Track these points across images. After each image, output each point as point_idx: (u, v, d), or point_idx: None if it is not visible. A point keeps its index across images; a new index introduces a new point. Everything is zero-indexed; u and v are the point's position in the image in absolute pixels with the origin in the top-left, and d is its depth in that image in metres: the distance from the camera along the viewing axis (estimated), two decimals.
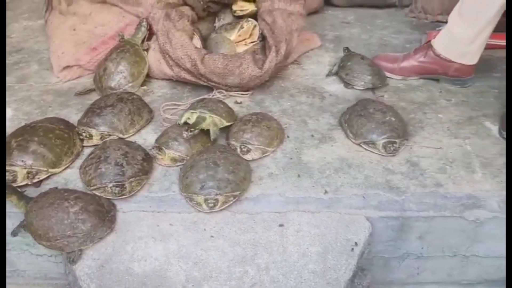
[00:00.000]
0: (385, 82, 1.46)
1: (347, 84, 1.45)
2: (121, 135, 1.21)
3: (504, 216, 1.01)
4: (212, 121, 1.16)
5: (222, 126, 1.19)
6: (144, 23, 1.44)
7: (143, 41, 1.44)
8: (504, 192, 1.05)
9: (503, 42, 1.65)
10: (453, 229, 1.03)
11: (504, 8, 1.28)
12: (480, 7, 1.30)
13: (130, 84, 1.36)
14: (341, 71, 1.48)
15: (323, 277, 0.90)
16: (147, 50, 1.43)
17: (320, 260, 0.92)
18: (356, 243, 0.95)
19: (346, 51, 1.59)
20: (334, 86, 1.47)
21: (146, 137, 1.24)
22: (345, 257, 0.92)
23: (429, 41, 1.48)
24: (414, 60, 1.48)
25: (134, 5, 1.52)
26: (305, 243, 0.95)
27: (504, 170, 1.11)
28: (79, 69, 1.51)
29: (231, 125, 1.21)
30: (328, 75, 1.52)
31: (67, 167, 1.13)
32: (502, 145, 1.20)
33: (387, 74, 1.51)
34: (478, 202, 1.03)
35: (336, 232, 0.96)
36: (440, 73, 1.46)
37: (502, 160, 1.15)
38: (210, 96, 1.40)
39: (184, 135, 1.12)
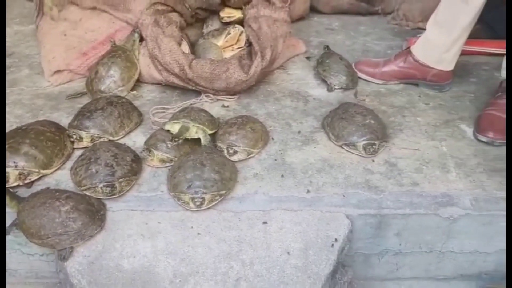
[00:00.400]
0: (356, 85, 1.54)
1: (324, 82, 1.54)
2: (111, 138, 1.25)
3: (476, 213, 1.07)
4: (198, 129, 1.19)
5: (203, 136, 1.21)
6: (137, 33, 1.47)
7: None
8: (476, 191, 1.11)
9: (479, 49, 1.74)
10: (429, 226, 1.08)
11: (477, 17, 1.35)
12: (455, 16, 1.36)
13: (120, 88, 1.40)
14: (319, 66, 1.56)
15: (304, 272, 0.94)
16: (138, 51, 1.47)
17: (301, 255, 0.97)
18: (336, 239, 1.00)
19: (326, 48, 1.67)
20: (318, 91, 1.53)
21: (136, 140, 1.28)
22: (325, 253, 0.97)
23: (409, 47, 1.54)
24: (395, 65, 1.54)
25: (123, 12, 1.56)
26: (287, 240, 0.99)
27: (477, 170, 1.17)
28: (70, 73, 1.54)
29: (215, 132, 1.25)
30: (307, 57, 1.67)
31: (58, 168, 1.17)
32: (476, 146, 1.26)
33: (369, 78, 1.57)
34: (452, 200, 1.09)
35: (317, 229, 1.01)
36: (419, 78, 1.52)
37: (476, 160, 1.21)
38: (198, 100, 1.44)
39: (169, 145, 1.16)
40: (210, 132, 1.23)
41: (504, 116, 1.28)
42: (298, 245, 0.98)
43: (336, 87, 1.51)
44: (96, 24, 1.55)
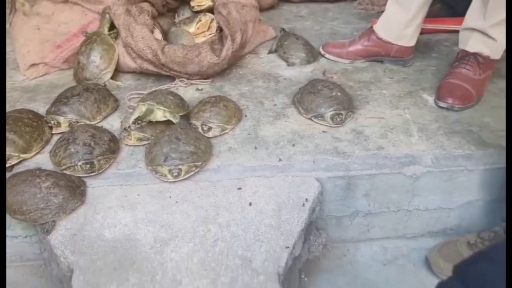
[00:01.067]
0: (317, 58, 1.64)
1: (286, 62, 1.62)
2: (88, 122, 1.28)
3: (436, 170, 1.14)
4: (164, 112, 1.22)
5: (172, 117, 1.24)
6: (107, 13, 1.50)
7: (111, 29, 1.51)
8: (437, 151, 1.18)
9: (439, 27, 1.83)
10: (394, 185, 1.15)
11: None
12: None
13: (103, 72, 1.45)
14: (279, 50, 1.65)
15: (278, 230, 1.00)
16: (116, 37, 1.50)
17: (275, 215, 1.02)
18: (306, 199, 1.05)
19: (282, 31, 1.75)
20: (288, 71, 1.59)
21: (113, 123, 1.32)
22: (297, 212, 1.03)
23: (371, 26, 1.62)
24: (359, 45, 1.61)
25: (95, 3, 1.60)
26: (261, 202, 1.05)
27: (438, 133, 1.25)
28: (45, 66, 1.58)
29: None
30: (269, 52, 1.70)
31: (37, 152, 1.20)
32: (437, 112, 1.34)
33: (337, 59, 1.64)
34: (414, 160, 1.16)
35: (289, 191, 1.07)
36: (383, 55, 1.60)
37: (437, 124, 1.28)
38: (173, 85, 1.49)
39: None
40: (176, 115, 1.24)
41: (461, 83, 1.36)
42: (271, 206, 1.04)
43: (297, 64, 1.60)
44: (68, 17, 1.58)
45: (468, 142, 1.21)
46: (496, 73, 1.49)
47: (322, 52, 1.66)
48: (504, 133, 1.20)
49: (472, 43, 1.39)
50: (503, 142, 1.18)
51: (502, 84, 1.47)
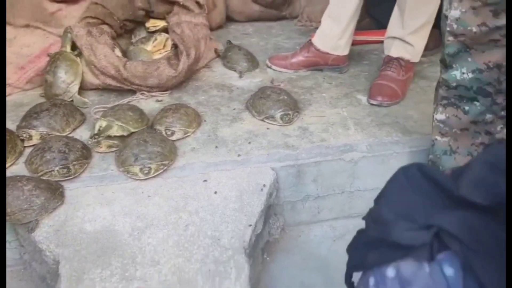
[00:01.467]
0: (258, 67, 1.86)
1: (230, 69, 1.86)
2: (58, 134, 1.39)
3: (370, 155, 1.34)
4: (119, 128, 1.33)
5: (129, 132, 1.35)
6: (68, 32, 1.61)
7: (72, 49, 1.62)
8: (370, 139, 1.39)
9: (369, 38, 2.08)
10: (337, 170, 1.34)
11: (359, 8, 1.67)
12: (341, 9, 1.67)
13: (71, 85, 1.55)
14: (224, 60, 1.86)
15: (241, 212, 1.15)
16: (78, 55, 1.61)
17: (238, 200, 1.17)
18: (264, 185, 1.22)
19: (228, 43, 1.97)
20: (240, 82, 1.77)
21: (82, 135, 1.43)
22: (256, 196, 1.19)
23: (310, 39, 1.83)
24: (301, 56, 1.82)
25: (56, 27, 1.71)
26: (225, 190, 1.20)
27: (370, 125, 1.46)
28: (9, 87, 1.65)
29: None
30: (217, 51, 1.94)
31: (12, 164, 1.29)
32: (369, 109, 1.56)
33: (282, 70, 1.83)
34: (352, 147, 1.36)
35: (248, 180, 1.23)
36: (322, 64, 1.81)
37: (369, 119, 1.50)
38: (134, 98, 1.62)
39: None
40: (134, 130, 1.36)
41: (388, 83, 1.60)
42: (234, 193, 1.19)
43: (243, 72, 1.82)
44: (31, 40, 1.68)
45: (396, 131, 1.43)
46: (417, 74, 1.75)
47: (269, 64, 1.85)
48: (424, 122, 1.43)
49: (394, 50, 1.63)
50: (424, 129, 1.41)
51: (422, 83, 1.72)
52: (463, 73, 1.05)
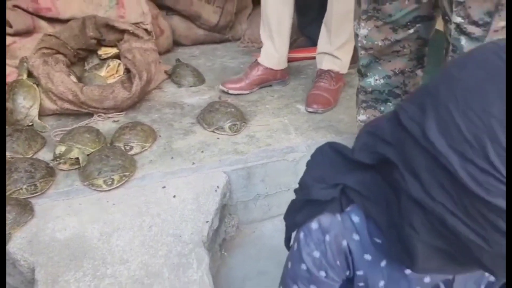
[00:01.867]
0: (204, 82, 2.06)
1: (178, 85, 2.03)
2: (21, 157, 1.48)
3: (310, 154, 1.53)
4: (79, 151, 1.44)
5: (88, 153, 1.46)
6: (25, 62, 1.71)
7: (29, 77, 1.71)
8: (308, 141, 1.59)
9: (305, 55, 2.31)
10: (282, 169, 1.52)
11: (288, 29, 1.89)
12: (279, 30, 1.88)
13: (31, 109, 1.64)
14: (173, 76, 2.03)
15: (198, 211, 1.29)
16: (35, 83, 1.70)
17: (195, 201, 1.32)
18: (218, 187, 1.37)
19: (177, 61, 2.18)
20: (190, 99, 1.93)
21: (44, 156, 1.52)
22: (211, 196, 1.34)
23: (256, 59, 2.02)
24: (253, 76, 1.98)
25: (10, 58, 1.80)
26: (183, 194, 1.34)
27: (308, 129, 1.66)
28: None
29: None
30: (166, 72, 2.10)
31: None
32: (307, 116, 1.76)
33: (239, 92, 1.95)
34: (293, 149, 1.54)
35: (203, 183, 1.38)
36: (272, 79, 2.00)
37: (307, 124, 1.70)
38: (92, 120, 1.73)
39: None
40: (93, 150, 1.47)
41: (321, 93, 1.81)
42: (191, 196, 1.34)
43: (187, 87, 2.01)
44: None
45: (330, 133, 1.63)
46: (346, 84, 1.98)
47: (225, 89, 1.94)
48: (353, 124, 1.65)
49: (325, 63, 1.86)
50: (353, 130, 1.63)
51: (351, 91, 1.95)
52: (376, 79, 1.27)
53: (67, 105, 1.71)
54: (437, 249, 0.58)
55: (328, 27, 1.79)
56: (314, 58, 2.27)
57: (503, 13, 0.92)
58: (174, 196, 1.34)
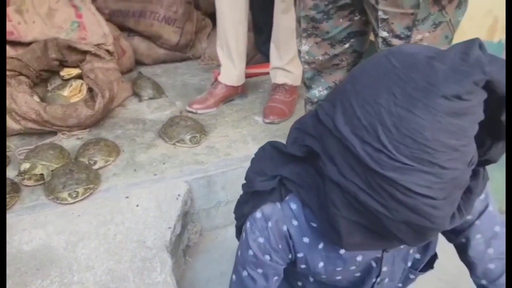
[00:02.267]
0: (163, 94, 2.17)
1: (138, 97, 2.14)
2: None
3: None
4: (43, 167, 1.50)
5: (53, 169, 1.51)
6: None
7: None
8: None
9: (261, 70, 2.44)
10: (241, 177, 1.60)
11: (244, 47, 2.01)
12: (236, 49, 1.99)
13: None
14: (134, 87, 2.13)
15: (161, 218, 1.37)
16: None
17: (157, 209, 1.39)
18: (179, 195, 1.45)
19: (139, 74, 2.29)
20: (152, 115, 2.01)
21: (9, 174, 1.56)
22: (173, 204, 1.42)
23: (217, 78, 2.12)
24: (217, 94, 2.07)
25: None
26: (145, 203, 1.41)
27: (265, 139, 1.77)
28: None
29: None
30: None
31: None
32: (264, 127, 1.88)
33: (206, 111, 2.01)
34: (251, 157, 1.64)
35: (165, 192, 1.46)
36: (234, 94, 2.10)
37: (264, 134, 1.81)
38: (56, 138, 1.79)
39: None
40: (57, 166, 1.52)
41: (277, 105, 1.93)
42: (153, 204, 1.41)
43: (146, 98, 2.12)
44: None
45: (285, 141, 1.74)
46: (301, 96, 2.11)
47: (193, 110, 1.99)
48: None
49: (278, 77, 1.98)
50: None
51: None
52: (320, 91, 1.39)
53: (30, 125, 1.75)
54: (357, 224, 0.68)
55: (277, 44, 1.92)
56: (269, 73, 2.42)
57: (420, 27, 1.06)
58: (137, 205, 1.41)
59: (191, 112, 2.01)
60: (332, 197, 0.68)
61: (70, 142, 1.77)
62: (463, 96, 0.54)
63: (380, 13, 1.08)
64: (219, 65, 2.15)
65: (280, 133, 1.82)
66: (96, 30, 2.17)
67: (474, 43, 0.57)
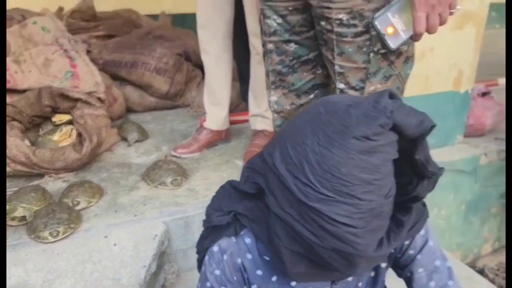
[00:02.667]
0: (147, 137, 2.30)
1: (125, 141, 2.25)
2: None
3: None
4: (24, 209, 1.57)
5: (34, 210, 1.57)
6: None
7: None
8: None
9: (246, 118, 2.55)
10: None
11: (228, 94, 2.14)
12: (221, 96, 2.12)
13: None
14: (120, 131, 2.24)
15: (137, 257, 1.42)
16: None
17: (134, 248, 1.45)
18: (156, 235, 1.51)
19: (125, 119, 2.42)
20: (138, 159, 2.10)
21: None
22: (150, 243, 1.47)
23: (202, 124, 2.23)
24: (201, 139, 2.16)
25: None
26: (123, 242, 1.47)
27: None
28: None
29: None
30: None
31: None
32: None
33: (190, 156, 2.12)
34: None
35: (143, 232, 1.52)
36: (217, 140, 2.21)
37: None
38: (43, 180, 1.86)
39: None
40: (38, 208, 1.58)
41: (256, 149, 2.02)
42: (131, 244, 1.47)
43: (133, 141, 2.22)
44: None
45: None
46: None
47: (177, 155, 2.10)
48: None
49: (258, 124, 2.10)
50: None
51: None
52: None
53: (19, 167, 1.83)
54: (298, 254, 0.75)
55: (254, 93, 2.05)
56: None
57: (372, 80, 1.18)
58: (115, 245, 1.46)
59: (176, 156, 2.10)
60: (275, 228, 0.75)
61: (56, 184, 1.85)
62: (371, 137, 0.63)
63: (336, 67, 1.19)
64: (205, 113, 2.27)
65: None
66: (89, 79, 2.30)
67: (385, 94, 0.67)
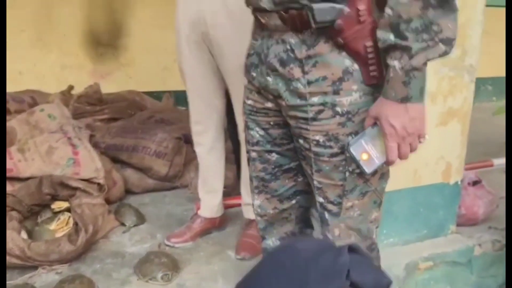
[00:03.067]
0: (144, 221, 2.33)
1: (123, 225, 2.28)
2: None
3: None
4: None
5: None
6: None
7: None
8: None
9: (237, 202, 2.59)
10: None
11: (222, 182, 2.19)
12: (214, 183, 2.18)
13: None
14: (117, 215, 2.28)
15: None
16: None
17: None
18: None
19: (121, 203, 2.46)
20: (133, 248, 2.12)
21: None
22: None
23: (197, 212, 2.27)
24: (195, 228, 2.18)
25: None
26: None
27: (237, 278, 1.85)
28: None
29: None
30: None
31: None
32: (236, 262, 1.97)
33: (184, 245, 2.13)
34: None
35: None
36: (211, 228, 2.23)
37: (234, 271, 1.90)
38: (36, 272, 1.89)
39: None
40: None
41: (248, 240, 2.05)
42: None
43: (131, 225, 2.27)
44: None
45: None
46: None
47: (171, 244, 2.12)
48: None
49: (250, 213, 2.12)
50: None
51: None
52: (273, 241, 1.50)
53: (14, 260, 1.86)
54: None
55: (245, 182, 2.11)
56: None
57: (349, 196, 1.22)
58: None
59: (169, 246, 2.12)
60: None
61: (49, 276, 1.87)
62: None
63: (315, 182, 1.25)
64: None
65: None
66: (89, 165, 2.39)
67: (344, 250, 0.71)
